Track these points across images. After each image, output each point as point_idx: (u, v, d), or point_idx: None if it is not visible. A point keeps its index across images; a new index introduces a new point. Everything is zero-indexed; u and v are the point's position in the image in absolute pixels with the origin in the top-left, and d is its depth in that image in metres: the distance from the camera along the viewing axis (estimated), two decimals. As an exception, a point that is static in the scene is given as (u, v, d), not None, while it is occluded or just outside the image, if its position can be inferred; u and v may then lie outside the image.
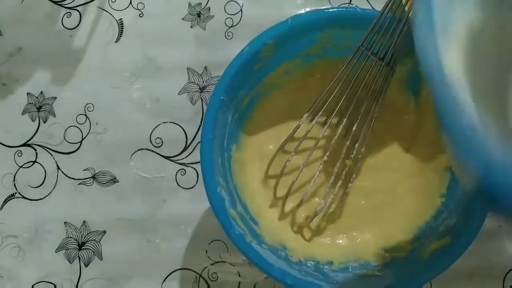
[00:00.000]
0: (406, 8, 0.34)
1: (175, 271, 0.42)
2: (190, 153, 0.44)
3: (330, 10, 0.35)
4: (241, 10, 0.47)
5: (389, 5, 0.33)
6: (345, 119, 0.36)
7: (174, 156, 0.44)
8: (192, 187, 0.44)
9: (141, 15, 0.48)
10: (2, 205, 0.45)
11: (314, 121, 0.38)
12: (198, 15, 0.48)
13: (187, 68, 0.46)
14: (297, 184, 0.38)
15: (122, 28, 0.47)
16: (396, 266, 0.35)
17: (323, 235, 0.38)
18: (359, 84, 0.36)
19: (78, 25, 0.48)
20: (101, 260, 0.43)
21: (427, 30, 0.20)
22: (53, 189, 0.45)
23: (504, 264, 0.42)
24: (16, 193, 0.45)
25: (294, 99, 0.40)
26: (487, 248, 0.41)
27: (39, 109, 0.46)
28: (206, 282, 0.42)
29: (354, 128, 0.36)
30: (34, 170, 0.45)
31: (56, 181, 0.45)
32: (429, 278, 0.33)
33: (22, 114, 0.46)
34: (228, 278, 0.42)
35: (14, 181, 0.45)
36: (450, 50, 0.20)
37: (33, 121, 0.46)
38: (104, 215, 0.44)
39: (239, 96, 0.36)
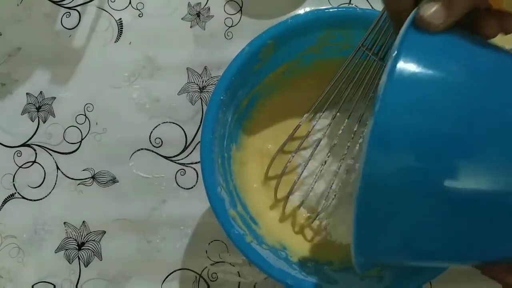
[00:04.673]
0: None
1: (175, 271, 0.42)
2: (190, 153, 0.44)
3: (330, 10, 0.35)
4: (240, 10, 0.47)
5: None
6: (346, 119, 0.36)
7: (173, 156, 0.44)
8: (192, 187, 0.44)
9: (140, 15, 0.48)
10: (2, 205, 0.45)
11: (315, 121, 0.38)
12: (198, 15, 0.47)
13: (186, 68, 0.46)
14: (298, 185, 0.38)
15: (122, 28, 0.47)
16: (396, 266, 0.35)
17: (324, 235, 0.38)
18: (360, 84, 0.36)
19: (77, 25, 0.48)
20: (100, 260, 0.43)
21: None
22: (52, 189, 0.44)
23: (504, 264, 0.41)
24: (15, 193, 0.45)
25: (294, 99, 0.40)
26: (487, 248, 0.41)
27: (38, 109, 0.46)
28: (206, 282, 0.42)
29: (355, 129, 0.36)
30: (34, 170, 0.45)
31: (56, 181, 0.45)
32: (429, 278, 0.33)
33: (22, 114, 0.46)
34: (228, 278, 0.42)
35: (13, 181, 0.45)
36: None
37: (32, 121, 0.46)
38: (103, 215, 0.44)
39: (239, 96, 0.36)
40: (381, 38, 0.34)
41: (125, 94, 0.46)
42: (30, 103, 0.46)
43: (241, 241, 0.32)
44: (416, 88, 0.22)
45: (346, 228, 0.37)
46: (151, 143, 0.45)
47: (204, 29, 0.47)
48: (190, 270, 0.42)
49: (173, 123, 0.45)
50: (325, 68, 0.38)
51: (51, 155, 0.45)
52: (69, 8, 0.48)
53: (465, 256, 0.25)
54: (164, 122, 0.45)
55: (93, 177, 0.44)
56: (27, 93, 0.46)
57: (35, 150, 0.45)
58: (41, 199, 0.44)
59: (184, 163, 0.44)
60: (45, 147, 0.45)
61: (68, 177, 0.45)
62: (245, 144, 0.39)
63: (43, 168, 0.45)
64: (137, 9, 0.48)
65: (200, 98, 0.45)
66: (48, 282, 0.43)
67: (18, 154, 0.45)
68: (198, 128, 0.45)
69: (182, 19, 0.47)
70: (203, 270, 0.42)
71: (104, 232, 0.43)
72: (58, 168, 0.45)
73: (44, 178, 0.45)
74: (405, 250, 0.25)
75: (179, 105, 0.45)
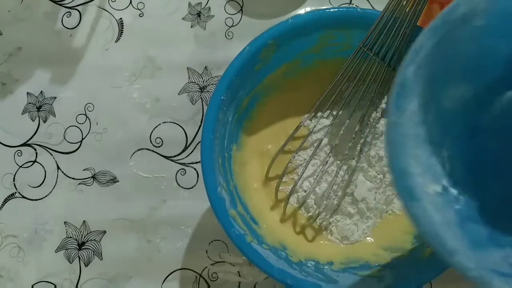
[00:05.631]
0: (408, 9, 0.34)
1: (175, 271, 0.42)
2: (190, 153, 0.44)
3: (331, 10, 0.35)
4: (241, 9, 0.47)
5: (391, 5, 0.34)
6: (348, 119, 0.36)
7: (174, 156, 0.44)
8: (192, 187, 0.44)
9: (141, 15, 0.48)
10: (2, 205, 0.45)
11: (315, 122, 0.38)
12: (198, 15, 0.47)
13: (187, 68, 0.46)
14: (299, 185, 0.38)
15: (122, 28, 0.47)
16: (396, 266, 0.35)
17: (325, 235, 0.38)
18: (361, 84, 0.36)
19: (78, 24, 0.48)
20: (101, 260, 0.43)
21: None
22: (53, 189, 0.45)
23: (504, 264, 0.41)
24: (16, 192, 0.45)
25: (294, 99, 0.40)
26: (487, 248, 0.41)
27: (39, 108, 0.46)
28: (206, 282, 0.42)
29: (356, 129, 0.36)
30: (34, 169, 0.45)
31: (56, 181, 0.45)
32: (429, 278, 0.33)
33: (22, 114, 0.46)
34: (228, 278, 0.42)
35: (14, 180, 0.45)
36: None
37: (33, 120, 0.46)
38: (104, 215, 0.44)
39: (239, 96, 0.36)
40: (382, 38, 0.34)
41: (125, 93, 0.46)
42: (30, 103, 0.46)
43: (241, 241, 0.32)
44: None
45: (347, 228, 0.38)
46: (151, 143, 0.45)
47: (205, 29, 0.47)
48: (190, 270, 0.42)
49: (174, 123, 0.45)
50: (326, 68, 0.38)
51: (51, 154, 0.45)
52: (70, 7, 0.48)
53: None
54: (165, 122, 0.45)
55: (93, 177, 0.45)
56: (27, 93, 0.46)
57: (35, 150, 0.45)
58: (41, 198, 0.44)
59: (184, 163, 0.44)
60: (46, 147, 0.45)
61: (68, 176, 0.45)
62: (246, 144, 0.39)
63: (44, 168, 0.45)
64: (138, 9, 0.48)
65: (201, 98, 0.45)
66: (49, 282, 0.43)
67: (19, 154, 0.45)
68: (199, 128, 0.45)
69: (182, 19, 0.48)
70: (203, 270, 0.42)
71: (105, 231, 0.43)
72: (58, 167, 0.45)
73: (45, 177, 0.45)
74: None
75: (179, 105, 0.45)
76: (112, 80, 0.46)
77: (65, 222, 0.44)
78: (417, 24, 0.34)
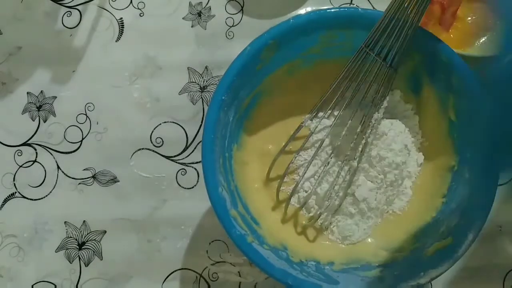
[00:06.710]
0: (410, 10, 0.34)
1: (175, 271, 0.42)
2: (191, 153, 0.44)
3: (331, 10, 0.35)
4: (242, 9, 0.47)
5: (393, 6, 0.33)
6: (349, 120, 0.36)
7: (174, 156, 0.44)
8: (192, 187, 0.44)
9: (141, 15, 0.48)
10: (2, 205, 0.44)
11: (317, 122, 0.38)
12: (199, 15, 0.47)
13: (187, 68, 0.46)
14: (300, 185, 0.38)
15: (123, 28, 0.47)
16: (396, 266, 0.35)
17: (326, 235, 0.38)
18: (362, 85, 0.36)
19: (78, 24, 0.48)
20: (101, 260, 0.43)
21: None
22: (53, 188, 0.44)
23: (504, 264, 0.42)
24: (16, 192, 0.45)
25: (295, 99, 0.40)
26: (487, 248, 0.42)
27: (39, 108, 0.46)
28: (207, 282, 0.42)
29: (358, 130, 0.36)
30: (34, 169, 0.45)
31: (56, 180, 0.45)
32: (429, 279, 0.33)
33: (22, 114, 0.46)
34: (229, 278, 0.42)
35: (14, 180, 0.45)
36: None
37: (33, 120, 0.46)
38: (104, 215, 0.44)
39: (240, 96, 0.36)
40: (384, 39, 0.34)
41: (126, 93, 0.46)
42: (30, 102, 0.46)
43: (242, 241, 0.32)
44: None
45: (347, 228, 0.38)
46: (152, 142, 0.45)
47: (205, 29, 0.47)
48: (191, 270, 0.42)
49: (174, 122, 0.45)
50: (327, 69, 0.38)
51: (51, 154, 0.45)
52: (70, 7, 0.48)
53: None
54: (165, 122, 0.45)
55: (93, 177, 0.44)
56: (27, 92, 0.46)
57: (35, 150, 0.45)
58: (41, 198, 0.44)
59: (185, 163, 0.44)
60: (46, 147, 0.45)
61: (68, 176, 0.45)
62: (246, 144, 0.39)
63: (44, 168, 0.45)
64: (138, 8, 0.48)
65: (201, 98, 0.45)
66: (49, 282, 0.43)
67: (19, 154, 0.45)
68: (199, 128, 0.45)
69: (183, 18, 0.47)
70: (203, 270, 0.42)
71: (105, 231, 0.43)
72: (58, 167, 0.45)
73: (45, 177, 0.45)
74: None
75: (180, 105, 0.45)
76: (113, 80, 0.46)
77: (65, 222, 0.44)
78: (419, 25, 0.34)
